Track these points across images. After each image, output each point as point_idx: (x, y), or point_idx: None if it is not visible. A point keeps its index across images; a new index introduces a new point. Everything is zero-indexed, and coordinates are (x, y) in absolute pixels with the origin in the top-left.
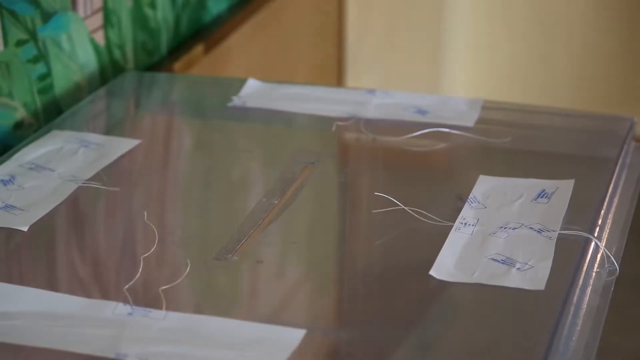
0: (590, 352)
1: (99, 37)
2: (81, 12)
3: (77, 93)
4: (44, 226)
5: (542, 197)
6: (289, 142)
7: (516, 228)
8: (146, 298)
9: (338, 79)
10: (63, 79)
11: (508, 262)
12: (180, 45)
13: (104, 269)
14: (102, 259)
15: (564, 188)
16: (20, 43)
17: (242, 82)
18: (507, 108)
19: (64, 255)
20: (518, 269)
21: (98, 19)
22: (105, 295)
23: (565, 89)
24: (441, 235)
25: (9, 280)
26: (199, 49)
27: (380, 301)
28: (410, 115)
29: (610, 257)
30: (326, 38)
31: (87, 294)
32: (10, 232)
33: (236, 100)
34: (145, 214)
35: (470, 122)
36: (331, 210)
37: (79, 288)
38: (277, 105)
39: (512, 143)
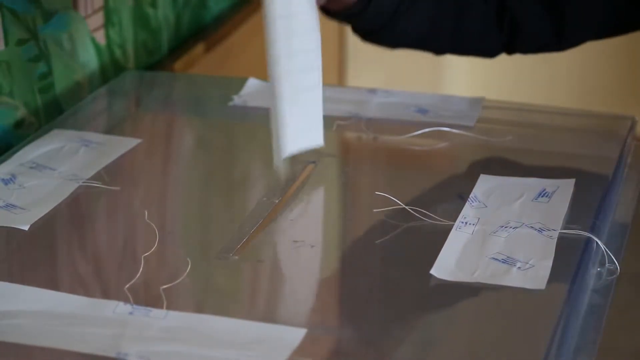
0: (591, 351)
1: (100, 37)
2: (82, 11)
3: (78, 92)
4: (44, 225)
5: (542, 197)
6: None
7: (517, 227)
8: (147, 297)
9: (339, 78)
10: (64, 78)
11: (509, 262)
12: (181, 45)
13: (104, 268)
14: (103, 258)
15: (564, 187)
16: (21, 42)
17: (243, 81)
18: (507, 107)
19: (64, 254)
20: (519, 268)
21: (99, 18)
22: (106, 294)
23: (566, 88)
24: (442, 235)
25: (10, 279)
26: (199, 48)
27: (380, 300)
28: (411, 114)
29: (610, 257)
30: (327, 37)
31: (88, 293)
32: (11, 231)
33: (237, 100)
34: (146, 213)
35: (471, 121)
36: (332, 210)
37: (79, 287)
38: None
39: (512, 142)
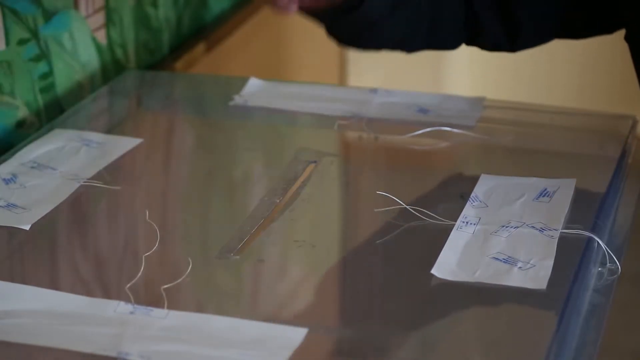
0: (592, 351)
1: (101, 36)
2: (83, 10)
3: (79, 92)
4: (45, 225)
5: (543, 196)
6: (290, 141)
7: (518, 227)
8: (148, 297)
9: (340, 77)
10: (65, 77)
11: (510, 261)
12: (182, 44)
13: (105, 268)
14: (104, 257)
15: (565, 187)
16: (22, 42)
17: (244, 80)
18: (508, 107)
19: (65, 254)
20: (520, 268)
21: (100, 18)
22: (107, 294)
23: (567, 88)
24: (443, 234)
25: (11, 279)
26: (200, 47)
27: (381, 300)
28: (412, 114)
29: (612, 256)
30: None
31: (89, 293)
32: (13, 231)
33: (238, 99)
34: (147, 212)
35: (472, 121)
36: (333, 209)
37: (80, 287)
38: (279, 104)
39: (513, 142)
